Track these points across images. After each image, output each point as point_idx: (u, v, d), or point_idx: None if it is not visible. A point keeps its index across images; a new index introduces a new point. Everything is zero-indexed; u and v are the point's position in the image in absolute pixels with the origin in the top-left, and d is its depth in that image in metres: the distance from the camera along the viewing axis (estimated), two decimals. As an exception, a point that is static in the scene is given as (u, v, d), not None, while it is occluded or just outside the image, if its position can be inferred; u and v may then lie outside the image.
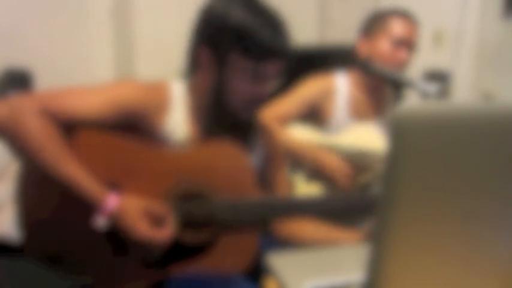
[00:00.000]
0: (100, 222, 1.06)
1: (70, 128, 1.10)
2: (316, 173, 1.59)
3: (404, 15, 1.68)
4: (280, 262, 1.06)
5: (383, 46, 1.66)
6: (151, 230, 1.08)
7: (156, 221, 1.10)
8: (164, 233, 1.09)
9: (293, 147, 1.59)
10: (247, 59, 1.11)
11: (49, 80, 1.78)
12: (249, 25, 1.09)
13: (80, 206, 1.06)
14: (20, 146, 1.05)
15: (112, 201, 1.07)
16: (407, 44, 1.66)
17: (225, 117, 1.20)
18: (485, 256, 0.70)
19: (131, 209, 1.08)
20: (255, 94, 1.17)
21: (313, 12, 3.12)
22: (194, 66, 1.21)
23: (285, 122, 1.65)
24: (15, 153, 1.08)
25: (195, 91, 1.23)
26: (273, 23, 1.12)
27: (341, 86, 1.73)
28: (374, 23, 1.71)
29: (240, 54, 1.11)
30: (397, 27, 1.66)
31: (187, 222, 1.15)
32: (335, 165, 1.56)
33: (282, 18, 1.14)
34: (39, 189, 1.12)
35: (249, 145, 1.26)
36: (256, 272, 1.21)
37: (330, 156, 1.57)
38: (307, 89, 1.71)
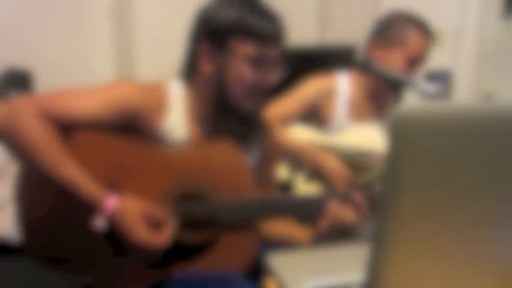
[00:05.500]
0: (99, 223, 1.06)
1: (69, 129, 1.10)
2: (316, 173, 1.59)
3: (424, 29, 1.61)
4: (280, 262, 1.06)
5: (396, 60, 1.60)
6: (150, 235, 1.08)
7: (155, 224, 1.10)
8: (162, 238, 1.09)
9: (293, 147, 1.59)
10: (248, 44, 1.15)
11: (49, 80, 1.78)
12: (244, 16, 1.15)
13: (80, 206, 1.06)
14: (19, 148, 1.05)
15: (112, 203, 1.06)
16: (420, 60, 1.62)
17: (227, 112, 1.20)
18: (485, 256, 0.70)
19: (130, 212, 1.07)
20: (258, 82, 1.18)
21: (313, 12, 3.12)
22: (194, 64, 1.22)
23: (285, 122, 1.65)
24: (13, 155, 1.07)
25: (195, 89, 1.23)
26: (267, 14, 1.18)
27: (341, 87, 1.73)
28: (390, 30, 1.64)
29: (241, 40, 1.15)
30: (415, 44, 1.59)
31: (187, 223, 1.15)
32: (333, 167, 1.56)
33: (276, 12, 1.20)
34: (39, 189, 1.12)
35: (247, 144, 1.26)
36: (256, 272, 1.21)
37: (329, 158, 1.57)
38: (308, 89, 1.71)
